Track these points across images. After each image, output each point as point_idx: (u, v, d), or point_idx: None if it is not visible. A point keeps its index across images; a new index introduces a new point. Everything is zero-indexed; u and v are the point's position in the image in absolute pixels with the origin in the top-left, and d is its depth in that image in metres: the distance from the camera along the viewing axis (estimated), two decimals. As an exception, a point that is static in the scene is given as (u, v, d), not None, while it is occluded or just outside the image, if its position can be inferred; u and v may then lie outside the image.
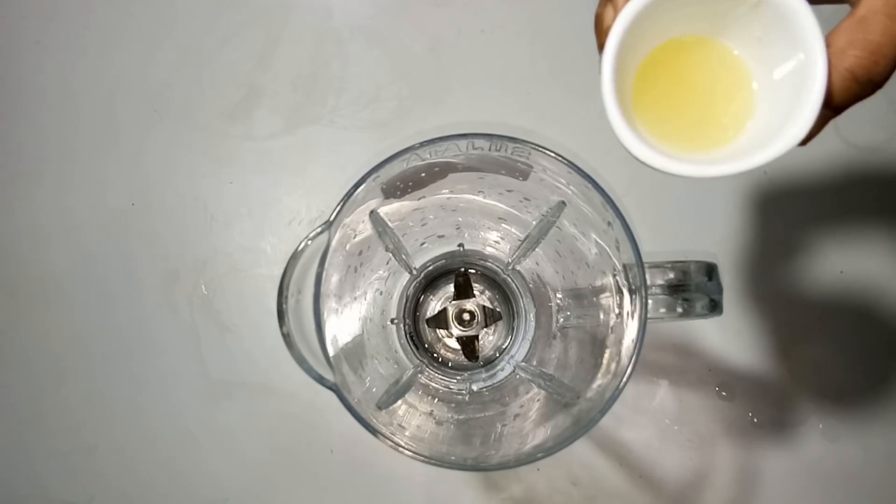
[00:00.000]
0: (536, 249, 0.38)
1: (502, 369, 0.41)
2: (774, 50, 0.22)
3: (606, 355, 0.32)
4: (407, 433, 0.32)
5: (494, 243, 0.41)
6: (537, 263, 0.40)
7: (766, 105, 0.23)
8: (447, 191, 0.35)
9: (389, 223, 0.35)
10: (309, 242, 0.29)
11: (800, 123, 0.21)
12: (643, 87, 0.23)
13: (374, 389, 0.34)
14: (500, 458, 0.33)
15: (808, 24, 0.20)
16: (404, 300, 0.42)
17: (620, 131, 0.21)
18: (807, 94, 0.21)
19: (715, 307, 0.31)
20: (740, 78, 0.23)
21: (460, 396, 0.39)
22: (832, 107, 0.21)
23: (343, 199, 0.29)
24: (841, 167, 0.45)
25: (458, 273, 0.41)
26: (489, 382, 0.40)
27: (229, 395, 0.44)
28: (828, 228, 0.44)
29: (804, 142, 0.22)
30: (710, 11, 0.22)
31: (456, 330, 0.40)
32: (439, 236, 0.40)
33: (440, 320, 0.40)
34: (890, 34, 0.20)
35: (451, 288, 0.42)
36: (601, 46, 0.22)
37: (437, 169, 0.33)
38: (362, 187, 0.30)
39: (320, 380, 0.28)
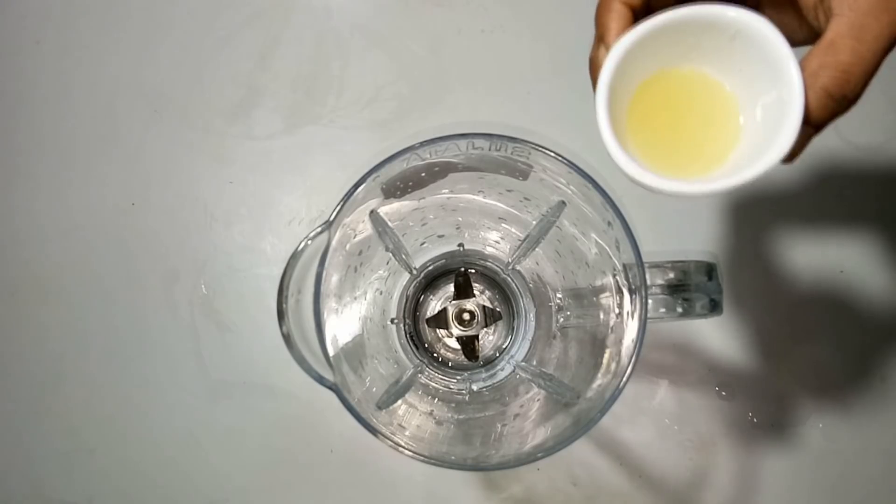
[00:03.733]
0: (536, 249, 0.38)
1: (502, 369, 0.41)
2: (756, 78, 0.23)
3: (606, 355, 0.32)
4: (407, 433, 0.32)
5: (494, 243, 0.41)
6: (537, 263, 0.40)
7: (752, 131, 0.24)
8: (447, 191, 0.35)
9: (389, 223, 0.35)
10: (309, 242, 0.29)
11: (782, 141, 0.22)
12: (635, 118, 0.25)
13: (374, 389, 0.34)
14: (500, 458, 0.33)
15: (781, 49, 0.22)
16: (404, 300, 0.42)
17: (615, 154, 0.23)
18: (787, 114, 0.22)
19: (715, 307, 0.31)
20: (727, 107, 0.25)
21: (460, 396, 0.39)
22: (812, 124, 0.23)
23: (343, 198, 0.29)
24: (841, 167, 0.45)
25: (458, 273, 0.41)
26: (489, 382, 0.40)
27: (229, 395, 0.44)
28: (828, 228, 0.44)
29: (790, 159, 0.23)
30: (695, 45, 0.24)
31: (456, 330, 0.40)
32: (439, 236, 0.40)
33: (440, 320, 0.40)
34: (857, 54, 0.22)
35: (451, 288, 0.42)
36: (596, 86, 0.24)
37: (437, 169, 0.33)
38: (362, 187, 0.30)
39: (320, 380, 0.28)
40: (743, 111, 0.24)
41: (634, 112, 0.25)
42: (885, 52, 0.22)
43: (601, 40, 0.24)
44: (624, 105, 0.24)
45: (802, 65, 0.22)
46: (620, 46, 0.23)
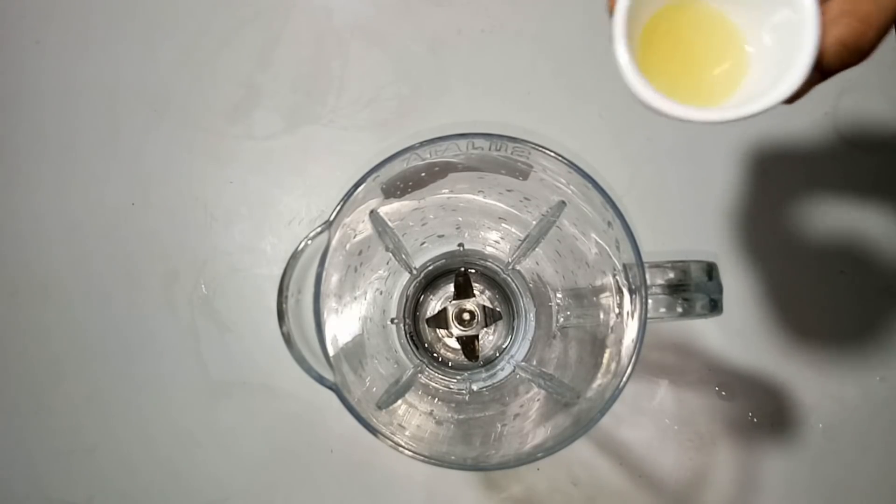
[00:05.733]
0: (536, 249, 0.38)
1: (502, 369, 0.41)
2: (769, 12, 0.24)
3: (606, 355, 0.32)
4: (407, 433, 0.32)
5: (494, 243, 0.41)
6: (537, 263, 0.40)
7: (760, 66, 0.24)
8: (447, 190, 0.35)
9: (389, 223, 0.35)
10: (309, 242, 0.29)
11: (791, 78, 0.22)
12: (646, 50, 0.25)
13: (374, 389, 0.34)
14: (500, 457, 0.33)
15: None
16: (404, 300, 0.42)
17: (630, 79, 0.23)
18: (799, 51, 0.22)
19: (715, 307, 0.31)
20: (734, 41, 0.25)
21: (460, 396, 0.39)
22: (822, 70, 0.23)
23: (343, 198, 0.29)
24: (841, 166, 0.45)
25: (458, 273, 0.41)
26: (489, 382, 0.40)
27: (229, 395, 0.44)
28: (828, 228, 0.44)
29: (792, 100, 0.23)
30: None
31: (456, 330, 0.40)
32: (439, 236, 0.40)
33: (440, 320, 0.40)
34: (880, 4, 0.22)
35: (451, 288, 0.42)
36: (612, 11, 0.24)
37: (437, 169, 0.33)
38: (362, 187, 0.30)
39: (320, 380, 0.28)
40: (753, 47, 0.25)
41: (646, 45, 0.25)
42: None
43: None
44: (636, 38, 0.25)
45: (822, 9, 0.22)
46: None
